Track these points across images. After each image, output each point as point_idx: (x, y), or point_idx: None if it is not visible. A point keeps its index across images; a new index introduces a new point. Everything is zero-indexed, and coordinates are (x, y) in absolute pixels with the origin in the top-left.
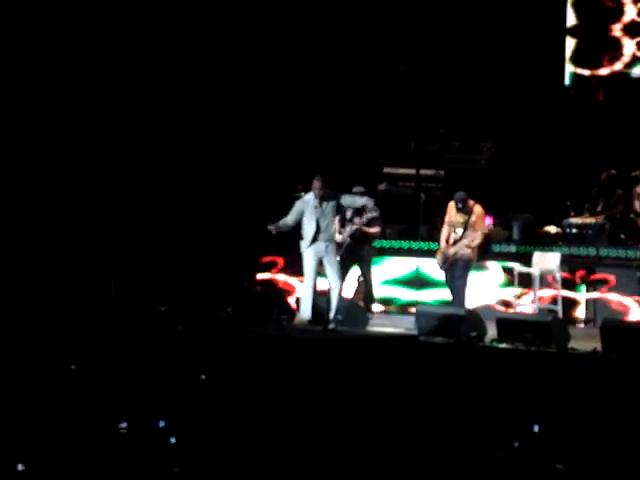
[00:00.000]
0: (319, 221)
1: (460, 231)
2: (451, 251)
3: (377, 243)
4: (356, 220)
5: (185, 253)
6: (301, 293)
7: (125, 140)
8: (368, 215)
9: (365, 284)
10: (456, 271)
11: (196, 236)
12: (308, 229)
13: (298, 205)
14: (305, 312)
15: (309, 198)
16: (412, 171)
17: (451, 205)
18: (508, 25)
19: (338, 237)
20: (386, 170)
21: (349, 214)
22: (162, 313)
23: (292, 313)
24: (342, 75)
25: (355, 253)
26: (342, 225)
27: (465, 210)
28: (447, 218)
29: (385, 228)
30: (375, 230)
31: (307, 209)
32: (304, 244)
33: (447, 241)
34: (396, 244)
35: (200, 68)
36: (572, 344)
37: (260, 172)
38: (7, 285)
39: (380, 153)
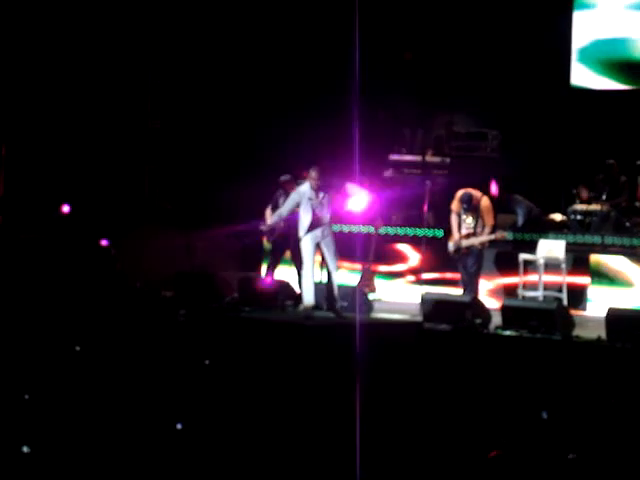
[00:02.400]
0: (316, 211)
1: (472, 223)
2: (464, 243)
3: (383, 230)
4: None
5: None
6: (302, 279)
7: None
8: None
9: (297, 270)
10: (468, 260)
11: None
12: (305, 219)
13: (294, 197)
14: (308, 298)
15: (305, 190)
16: (418, 158)
17: (457, 195)
18: (514, 13)
19: (269, 219)
20: (392, 157)
21: (281, 200)
22: (166, 299)
23: (298, 299)
24: (346, 63)
25: (289, 237)
26: (274, 210)
27: (471, 208)
28: (453, 206)
29: (392, 215)
30: None
31: (303, 200)
32: (301, 232)
33: (459, 230)
34: (402, 231)
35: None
36: (577, 332)
37: (264, 157)
38: (12, 269)
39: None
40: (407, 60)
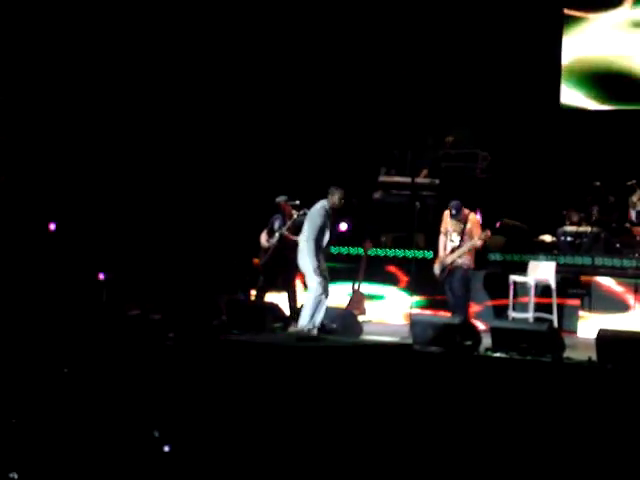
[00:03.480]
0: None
1: (457, 239)
2: (448, 259)
3: (372, 252)
4: (283, 227)
5: (178, 260)
6: (313, 301)
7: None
8: (292, 222)
9: (288, 293)
10: (454, 282)
11: (189, 243)
12: (324, 240)
13: (324, 217)
14: (317, 319)
15: (328, 209)
16: (407, 179)
17: (446, 214)
18: (505, 35)
19: (265, 244)
20: (381, 178)
21: (277, 223)
22: (155, 321)
23: (286, 321)
24: (339, 84)
25: (281, 260)
26: (270, 232)
27: (459, 217)
28: (442, 227)
29: (381, 237)
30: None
31: (327, 222)
32: (318, 253)
33: (445, 250)
34: (391, 252)
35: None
36: (567, 353)
37: (254, 180)
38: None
39: (378, 162)
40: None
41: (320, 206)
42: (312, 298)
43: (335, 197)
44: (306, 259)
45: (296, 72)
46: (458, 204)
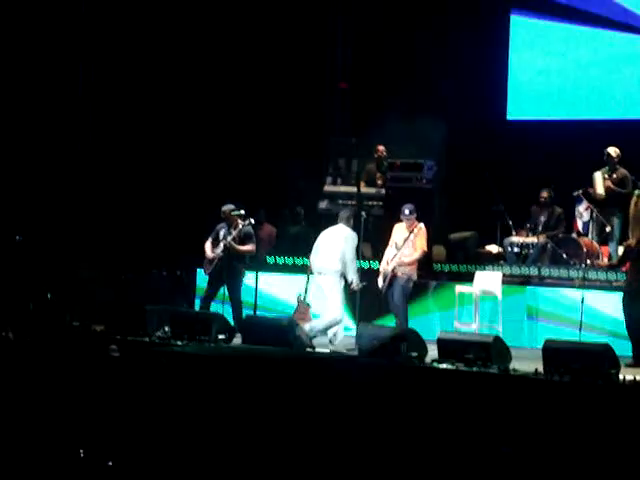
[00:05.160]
0: None
1: (400, 246)
2: (390, 267)
3: None
4: (228, 236)
5: (121, 271)
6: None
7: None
8: (238, 232)
9: (232, 303)
10: (395, 291)
11: (131, 254)
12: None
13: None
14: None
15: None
16: (353, 189)
17: (396, 226)
18: (451, 44)
19: (209, 254)
20: (326, 188)
21: (222, 233)
22: (97, 333)
23: (231, 332)
24: (283, 93)
25: (224, 270)
26: (215, 242)
27: (409, 218)
28: (391, 240)
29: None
30: (247, 248)
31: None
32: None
33: (387, 262)
34: None
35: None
36: (513, 365)
37: (197, 188)
38: None
39: (323, 171)
40: (342, 89)
41: (351, 230)
42: (335, 315)
43: (350, 219)
44: (336, 278)
45: (238, 79)
46: (412, 207)
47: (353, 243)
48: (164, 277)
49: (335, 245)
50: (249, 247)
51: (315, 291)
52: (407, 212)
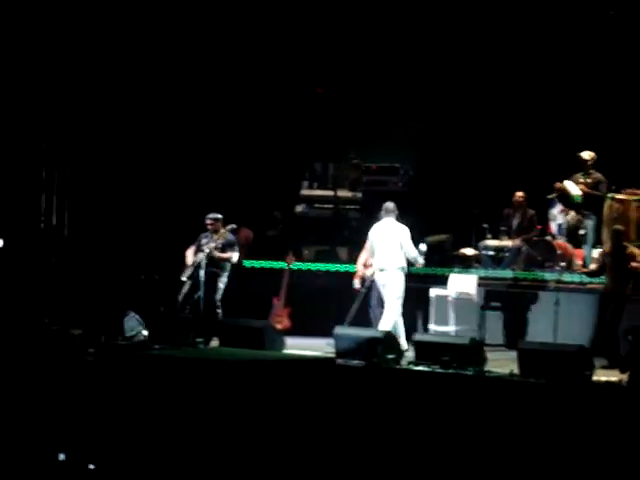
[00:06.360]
0: None
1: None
2: (368, 272)
3: (295, 265)
4: (211, 244)
5: (99, 275)
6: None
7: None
8: (221, 240)
9: (210, 308)
10: (373, 293)
11: (110, 258)
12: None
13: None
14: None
15: None
16: (330, 193)
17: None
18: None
19: (190, 260)
20: (303, 192)
21: (205, 241)
22: (75, 337)
23: (209, 335)
24: (261, 98)
25: (204, 276)
26: (198, 249)
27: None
28: (367, 244)
29: (302, 250)
30: (228, 256)
31: None
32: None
33: (364, 265)
34: (314, 266)
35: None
36: (489, 367)
37: (176, 195)
38: None
39: (300, 175)
40: (319, 94)
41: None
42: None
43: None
44: (399, 274)
45: (214, 84)
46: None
47: (408, 233)
48: (142, 281)
49: (393, 240)
50: (230, 255)
51: (374, 290)
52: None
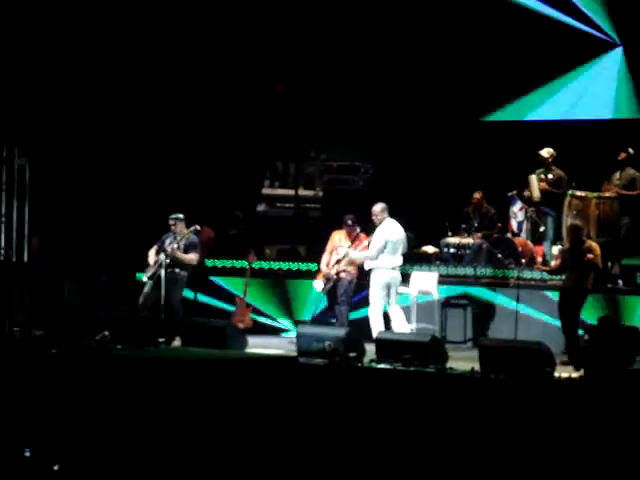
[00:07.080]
0: None
1: (342, 251)
2: (333, 271)
3: (257, 264)
4: (173, 244)
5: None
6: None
7: None
8: (184, 241)
9: (171, 308)
10: (338, 291)
11: (71, 256)
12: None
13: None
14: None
15: None
16: (291, 192)
17: (334, 234)
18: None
19: (151, 259)
20: (265, 191)
21: (168, 241)
22: (37, 337)
23: (171, 335)
24: (221, 97)
25: (165, 276)
26: (160, 249)
27: (353, 229)
28: (329, 246)
29: (265, 249)
30: (190, 257)
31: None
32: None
33: (327, 265)
34: (275, 265)
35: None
36: (450, 364)
37: (137, 195)
38: None
39: (261, 174)
40: (278, 93)
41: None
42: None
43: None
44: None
45: (178, 83)
46: (353, 217)
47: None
48: (103, 281)
49: (403, 239)
50: (192, 256)
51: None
52: (350, 222)
